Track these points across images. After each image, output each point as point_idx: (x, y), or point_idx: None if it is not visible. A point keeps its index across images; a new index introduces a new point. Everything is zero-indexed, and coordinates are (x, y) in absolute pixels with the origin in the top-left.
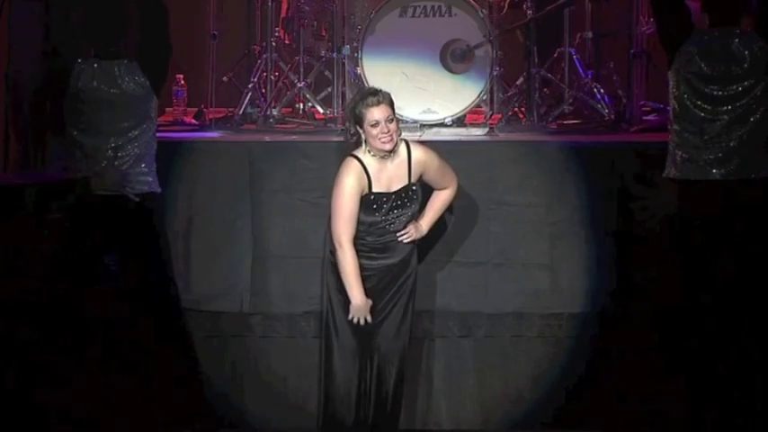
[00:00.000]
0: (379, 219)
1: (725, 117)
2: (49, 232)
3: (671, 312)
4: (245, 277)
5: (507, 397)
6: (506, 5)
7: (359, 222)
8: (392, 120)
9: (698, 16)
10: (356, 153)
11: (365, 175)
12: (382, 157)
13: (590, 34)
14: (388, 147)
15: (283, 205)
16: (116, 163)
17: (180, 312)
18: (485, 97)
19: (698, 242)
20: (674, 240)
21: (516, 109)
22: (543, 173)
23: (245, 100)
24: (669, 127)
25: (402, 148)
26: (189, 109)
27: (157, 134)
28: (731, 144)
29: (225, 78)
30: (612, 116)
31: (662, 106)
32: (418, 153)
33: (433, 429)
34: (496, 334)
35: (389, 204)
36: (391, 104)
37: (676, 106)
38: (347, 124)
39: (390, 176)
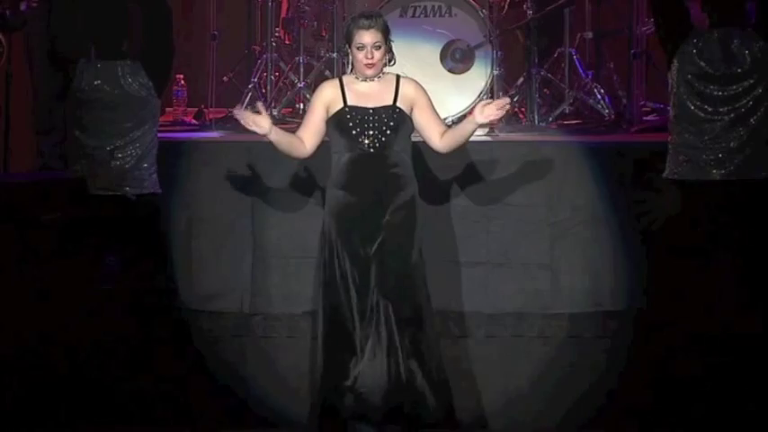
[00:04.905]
0: (355, 136)
1: (725, 117)
2: (49, 232)
3: (671, 312)
4: (245, 277)
5: (507, 397)
6: (506, 5)
7: (339, 149)
8: (379, 47)
9: (698, 16)
10: (342, 74)
11: (339, 89)
12: (364, 80)
13: (590, 34)
14: (368, 72)
15: (283, 205)
16: (117, 163)
17: (180, 312)
18: (485, 97)
19: (698, 242)
20: (673, 240)
21: (516, 109)
22: (543, 173)
23: (245, 100)
24: (669, 127)
25: (391, 78)
26: (189, 109)
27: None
28: (731, 144)
29: (225, 78)
30: (612, 116)
31: (662, 106)
32: (408, 87)
33: (432, 429)
34: (496, 334)
35: (365, 119)
36: (384, 31)
37: (676, 106)
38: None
39: (372, 95)
